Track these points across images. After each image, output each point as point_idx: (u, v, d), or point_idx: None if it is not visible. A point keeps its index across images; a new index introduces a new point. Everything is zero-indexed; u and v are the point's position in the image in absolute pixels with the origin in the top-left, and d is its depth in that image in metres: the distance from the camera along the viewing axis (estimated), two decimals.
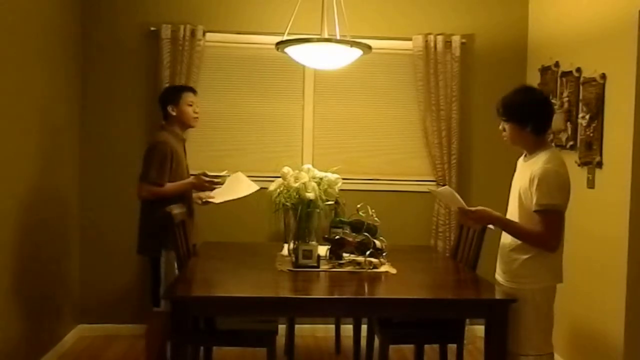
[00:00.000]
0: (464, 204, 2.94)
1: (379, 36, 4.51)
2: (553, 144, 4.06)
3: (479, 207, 2.85)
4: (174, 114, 3.65)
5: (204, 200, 3.72)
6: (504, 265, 2.86)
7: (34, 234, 3.75)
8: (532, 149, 2.81)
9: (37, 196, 3.80)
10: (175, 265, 3.42)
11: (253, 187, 3.60)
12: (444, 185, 3.07)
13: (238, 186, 3.61)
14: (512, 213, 2.85)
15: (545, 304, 2.77)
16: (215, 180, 3.58)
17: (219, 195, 3.63)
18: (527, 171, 2.76)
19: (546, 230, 2.67)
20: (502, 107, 2.80)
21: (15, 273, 3.53)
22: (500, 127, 2.85)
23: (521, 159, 2.93)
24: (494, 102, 2.90)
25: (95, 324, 4.55)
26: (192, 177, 3.62)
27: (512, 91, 2.83)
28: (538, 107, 2.78)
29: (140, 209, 3.62)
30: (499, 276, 2.92)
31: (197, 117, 3.73)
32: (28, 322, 3.68)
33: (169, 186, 3.52)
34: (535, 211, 2.68)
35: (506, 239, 2.86)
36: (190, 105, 3.69)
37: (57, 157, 4.14)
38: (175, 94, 3.69)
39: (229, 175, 3.61)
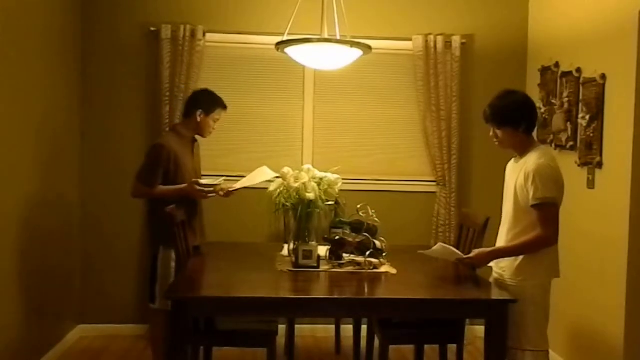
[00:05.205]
0: (459, 253, 3.06)
1: (379, 36, 4.50)
2: (553, 145, 4.07)
3: (474, 252, 2.96)
4: (199, 119, 3.64)
5: (225, 192, 3.67)
6: (505, 262, 2.88)
7: (35, 236, 3.75)
8: (524, 150, 2.86)
9: (38, 197, 3.80)
10: (172, 264, 3.45)
11: (268, 174, 3.57)
12: (435, 244, 3.24)
13: (259, 176, 3.61)
14: (507, 214, 2.89)
15: (544, 300, 2.81)
16: (207, 189, 3.56)
17: (238, 184, 3.64)
18: (520, 170, 2.80)
19: (543, 225, 2.72)
20: (492, 115, 2.86)
21: (17, 274, 3.53)
22: (491, 133, 2.91)
23: (511, 162, 2.98)
24: None
25: (95, 324, 4.56)
26: (185, 184, 3.56)
27: (496, 98, 2.90)
28: (527, 107, 2.86)
29: (146, 207, 3.69)
30: (497, 274, 2.94)
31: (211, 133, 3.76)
32: (29, 322, 3.68)
33: (160, 189, 3.52)
34: (532, 206, 2.72)
35: (504, 236, 2.90)
36: (215, 122, 3.70)
37: (58, 158, 4.14)
38: (213, 104, 3.66)
39: (220, 183, 3.61)
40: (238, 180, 3.70)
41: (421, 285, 3.11)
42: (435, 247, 3.11)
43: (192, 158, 3.71)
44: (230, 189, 3.65)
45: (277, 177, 3.25)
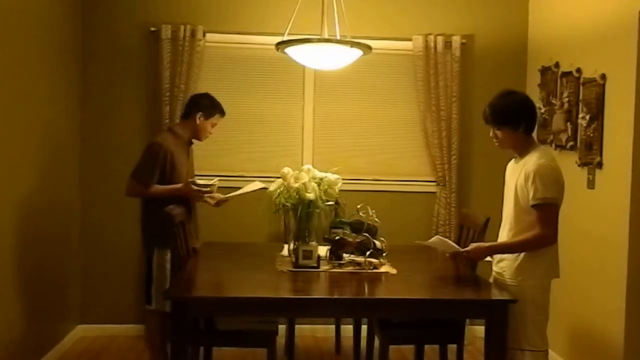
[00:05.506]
0: (457, 246, 3.06)
1: (379, 36, 4.51)
2: (553, 145, 4.07)
3: (472, 245, 2.96)
4: (198, 122, 3.65)
5: (215, 201, 3.71)
6: (505, 262, 2.88)
7: (35, 236, 3.75)
8: (524, 150, 2.86)
9: (39, 198, 3.80)
10: (167, 265, 3.45)
11: (259, 185, 3.63)
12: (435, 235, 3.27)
13: (250, 188, 3.65)
14: (508, 215, 2.89)
15: (544, 300, 2.82)
16: (204, 189, 3.55)
17: (230, 194, 3.67)
18: (521, 170, 2.80)
19: (543, 225, 2.72)
20: (491, 115, 2.86)
21: (18, 275, 3.53)
22: (491, 134, 2.92)
23: (511, 163, 2.98)
24: None
25: (95, 324, 4.56)
26: (180, 184, 3.56)
27: (496, 97, 2.90)
28: (527, 107, 2.86)
29: (140, 208, 3.65)
30: (497, 274, 2.94)
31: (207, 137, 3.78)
32: (29, 322, 3.68)
33: (155, 188, 3.51)
34: (532, 206, 2.72)
35: (505, 237, 2.90)
36: (213, 126, 3.71)
37: (58, 159, 4.14)
38: (213, 108, 3.68)
39: (216, 183, 3.61)
40: (235, 181, 3.71)
41: (421, 285, 3.11)
42: (432, 239, 3.10)
43: (187, 159, 3.71)
44: (222, 198, 3.67)
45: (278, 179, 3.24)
